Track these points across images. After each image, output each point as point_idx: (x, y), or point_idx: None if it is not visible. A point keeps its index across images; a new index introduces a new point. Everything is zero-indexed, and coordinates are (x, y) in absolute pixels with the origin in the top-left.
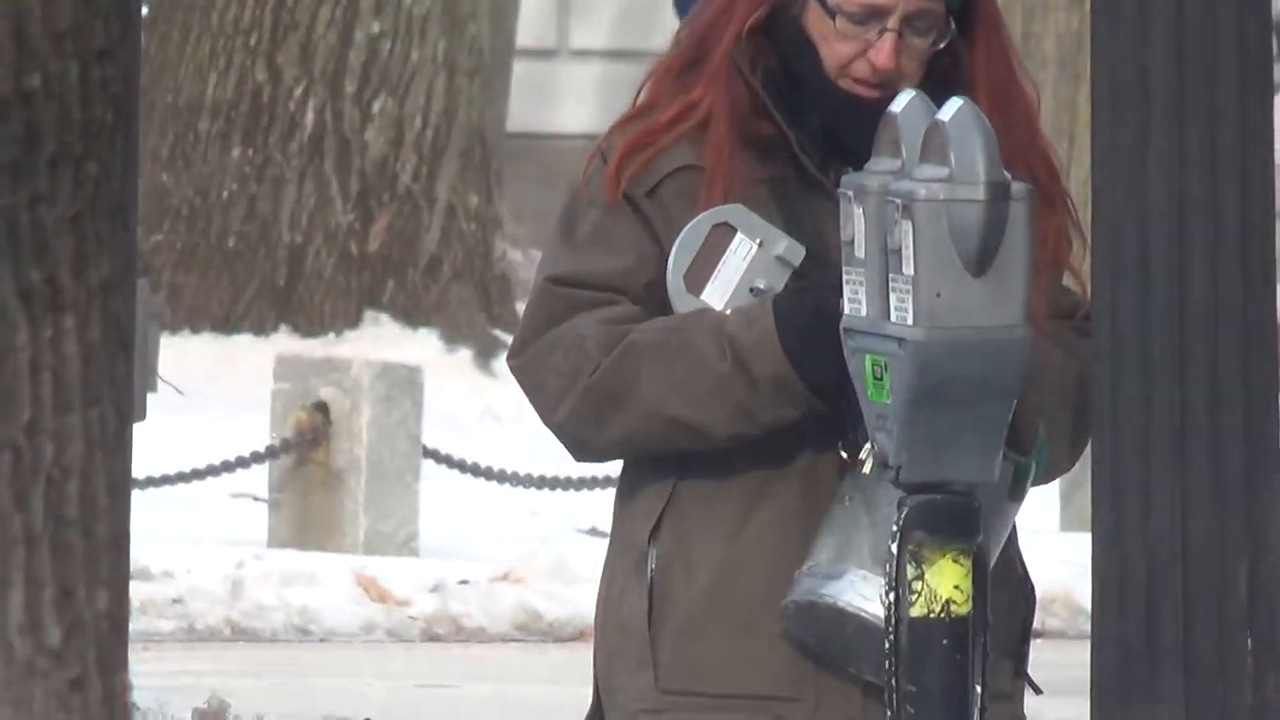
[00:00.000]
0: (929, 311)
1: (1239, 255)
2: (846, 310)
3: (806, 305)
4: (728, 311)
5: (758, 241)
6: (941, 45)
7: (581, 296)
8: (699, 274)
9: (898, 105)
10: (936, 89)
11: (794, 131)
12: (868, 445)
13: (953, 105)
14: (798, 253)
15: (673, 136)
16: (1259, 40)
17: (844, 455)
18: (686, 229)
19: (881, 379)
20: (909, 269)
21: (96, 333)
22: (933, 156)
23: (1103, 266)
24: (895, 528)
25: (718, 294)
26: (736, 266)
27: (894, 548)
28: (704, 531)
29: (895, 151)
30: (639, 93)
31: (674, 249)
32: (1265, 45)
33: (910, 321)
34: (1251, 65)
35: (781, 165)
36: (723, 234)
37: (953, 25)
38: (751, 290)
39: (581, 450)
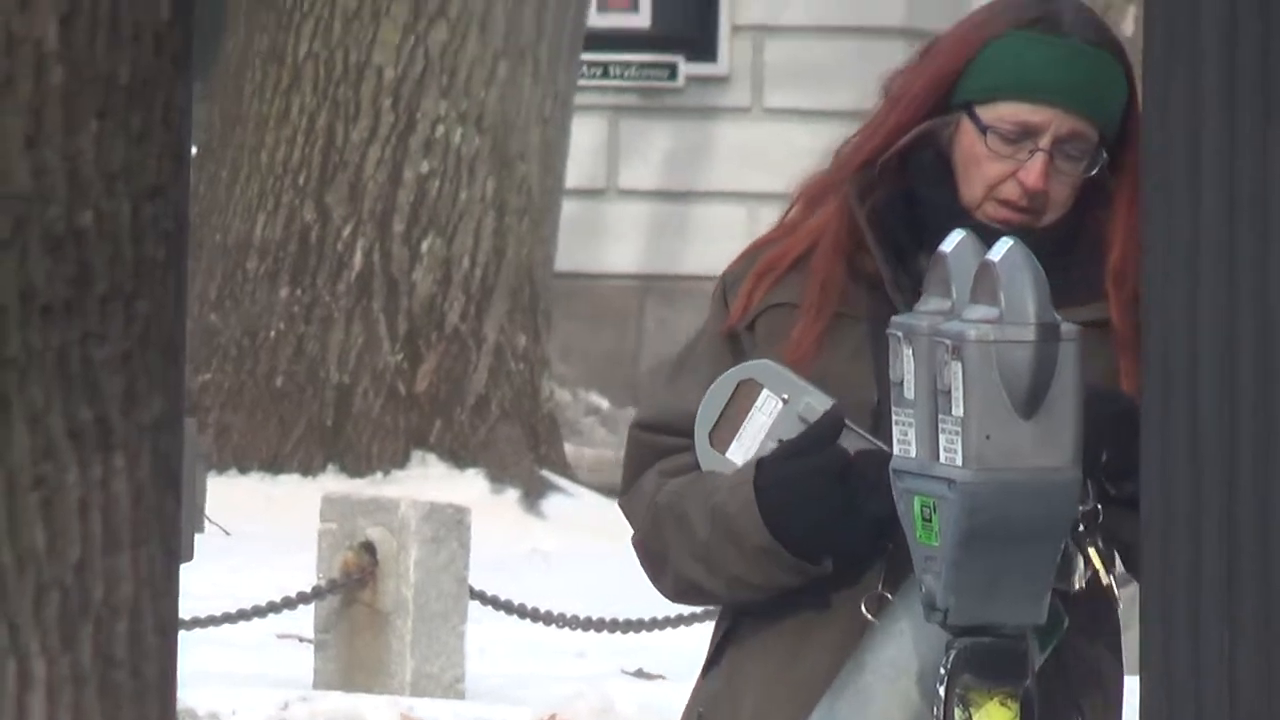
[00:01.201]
0: (978, 454)
1: None
2: (896, 450)
3: (789, 471)
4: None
5: (783, 398)
6: (1093, 172)
7: (661, 443)
8: (726, 431)
9: (948, 245)
10: (1079, 223)
11: (891, 269)
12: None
13: (1003, 245)
14: (816, 411)
15: (786, 266)
16: None
17: (866, 613)
18: (714, 384)
19: (930, 521)
20: (959, 410)
21: (146, 472)
22: (983, 297)
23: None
24: (943, 670)
25: (742, 452)
26: (761, 424)
27: (941, 690)
28: (751, 671)
29: (945, 291)
30: (785, 214)
31: (701, 405)
32: None
33: (960, 463)
34: None
35: (882, 304)
36: (750, 390)
37: (1104, 154)
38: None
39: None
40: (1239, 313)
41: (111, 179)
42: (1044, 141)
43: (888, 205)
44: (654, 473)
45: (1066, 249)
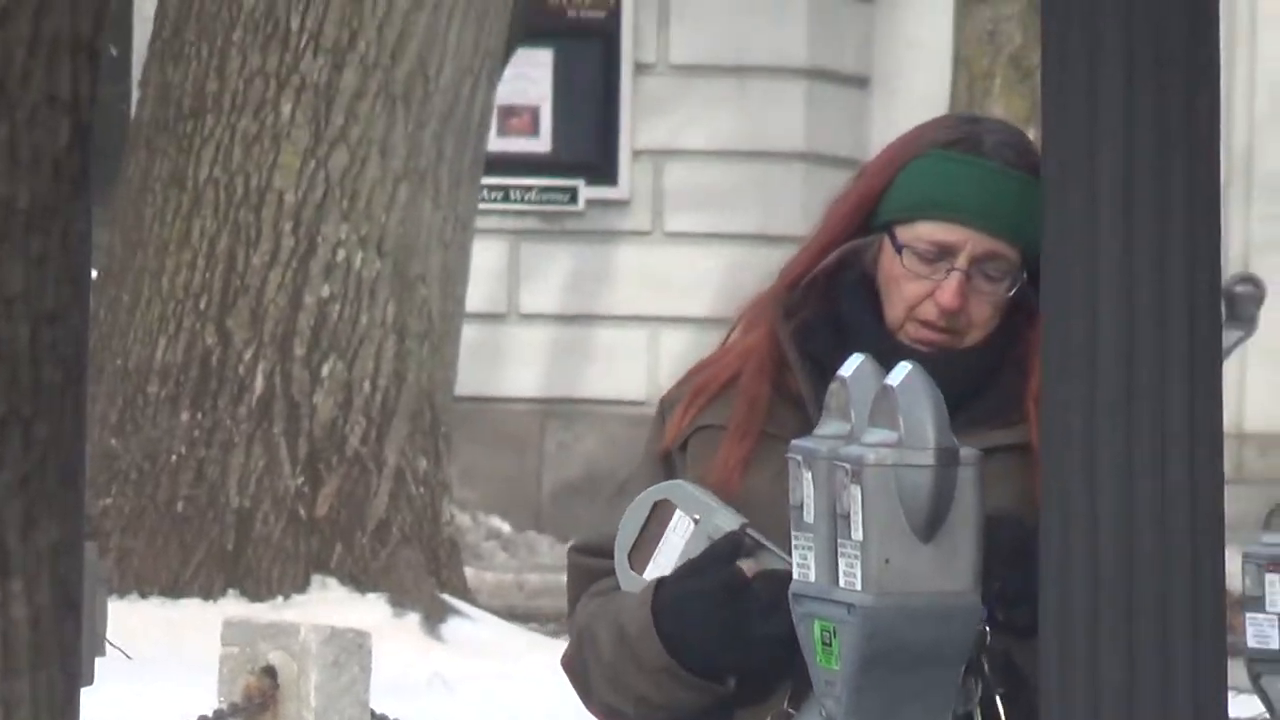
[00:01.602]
0: (878, 578)
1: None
2: (796, 574)
3: (683, 591)
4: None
5: (694, 518)
6: (1012, 293)
7: (594, 566)
8: (643, 552)
9: (847, 369)
10: (1003, 345)
11: (813, 388)
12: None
13: (901, 370)
14: (724, 531)
15: (717, 388)
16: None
17: None
18: (631, 506)
19: (830, 645)
20: (858, 534)
21: (45, 596)
22: (882, 421)
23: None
24: None
25: (658, 572)
26: (675, 545)
27: None
28: None
29: (845, 415)
30: (726, 337)
31: (620, 526)
32: (1215, 307)
33: (859, 587)
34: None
35: (807, 424)
36: (665, 510)
37: (1024, 275)
38: None
39: None
40: (1136, 428)
41: (9, 303)
42: (960, 261)
43: (812, 325)
44: (586, 595)
45: (993, 369)
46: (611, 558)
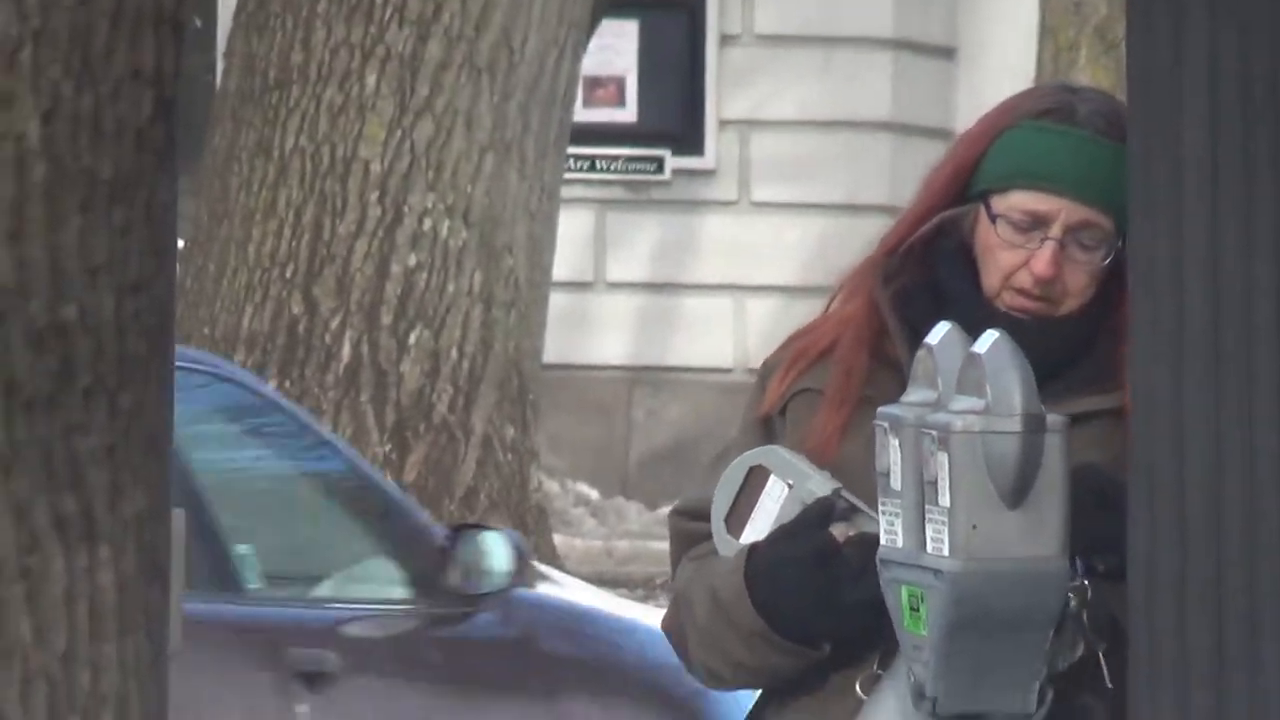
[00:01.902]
0: (965, 544)
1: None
2: (884, 540)
3: (775, 557)
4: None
5: (789, 483)
6: (1108, 261)
7: (694, 530)
8: (740, 516)
9: (934, 337)
10: (1099, 313)
11: (910, 354)
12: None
13: (988, 338)
14: (816, 496)
15: (815, 355)
16: None
17: (861, 693)
18: (727, 471)
19: (918, 610)
20: (945, 500)
21: (131, 563)
22: (969, 388)
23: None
24: None
25: (755, 536)
26: (770, 510)
27: None
28: None
29: (931, 383)
30: (828, 305)
31: (717, 491)
32: None
33: (946, 553)
34: None
35: (903, 388)
36: (760, 476)
37: (1120, 243)
38: None
39: None
40: (1224, 395)
41: (94, 273)
42: (1054, 230)
43: (910, 292)
44: (686, 559)
45: (1089, 337)
46: (709, 521)
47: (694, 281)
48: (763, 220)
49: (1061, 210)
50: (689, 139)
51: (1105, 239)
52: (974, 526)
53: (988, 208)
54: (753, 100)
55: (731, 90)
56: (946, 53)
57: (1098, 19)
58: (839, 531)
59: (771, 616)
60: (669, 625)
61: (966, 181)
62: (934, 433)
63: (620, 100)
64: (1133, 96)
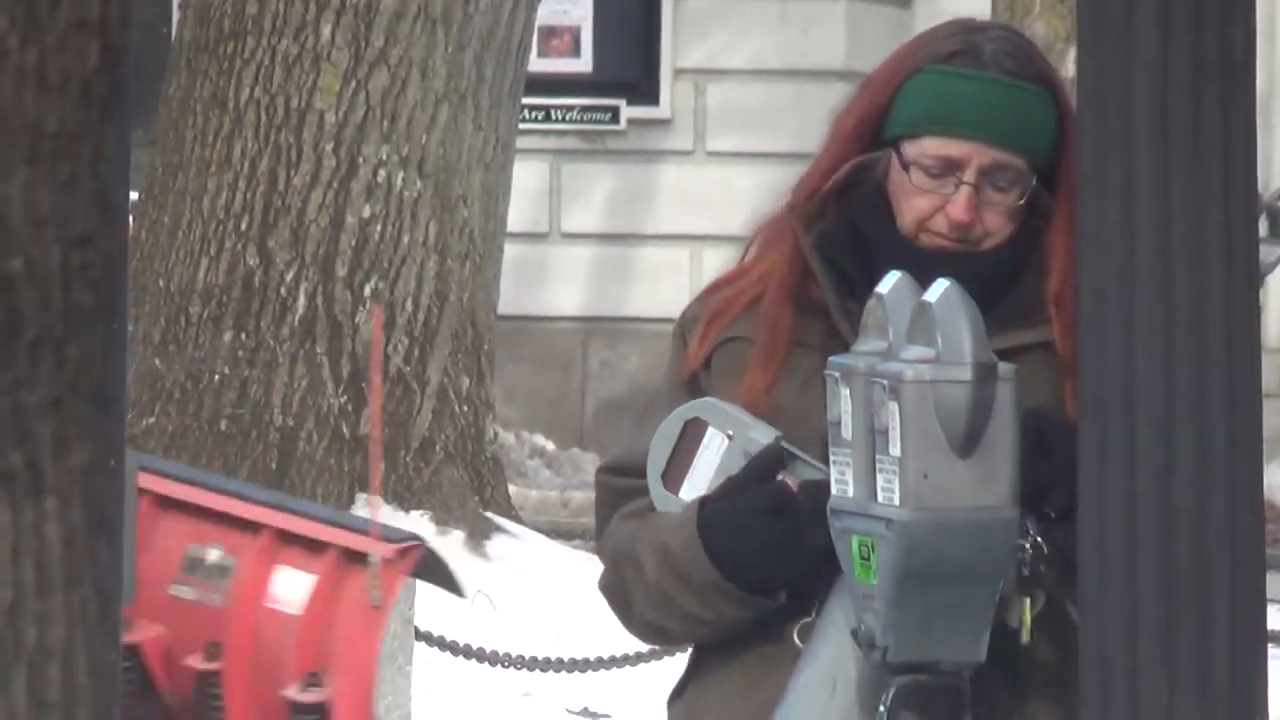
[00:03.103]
0: (916, 492)
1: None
2: (834, 490)
3: (729, 508)
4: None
5: (728, 434)
6: (1022, 201)
7: (624, 485)
8: (677, 471)
9: (884, 286)
10: (1023, 247)
11: (838, 298)
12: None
13: (939, 286)
14: (760, 445)
15: (739, 309)
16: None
17: (798, 641)
18: (662, 426)
19: (869, 559)
20: (896, 450)
21: (78, 516)
22: (919, 338)
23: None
24: (883, 708)
25: (693, 491)
26: (709, 462)
27: None
28: (715, 702)
29: (882, 332)
30: (742, 255)
31: (651, 447)
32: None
33: (897, 502)
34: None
35: (832, 333)
36: (697, 428)
37: (1034, 181)
38: None
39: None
40: (1176, 352)
41: (40, 226)
42: (968, 175)
43: (832, 236)
44: (617, 516)
45: (1015, 271)
46: (640, 477)
47: (649, 232)
48: (718, 170)
49: (974, 154)
50: (643, 89)
51: (1019, 179)
52: (925, 475)
53: (899, 154)
54: (708, 50)
55: (686, 40)
56: (901, 1)
57: None
58: (786, 480)
59: (727, 567)
60: (607, 584)
61: (877, 126)
62: (885, 382)
63: (575, 50)
64: (1083, 47)
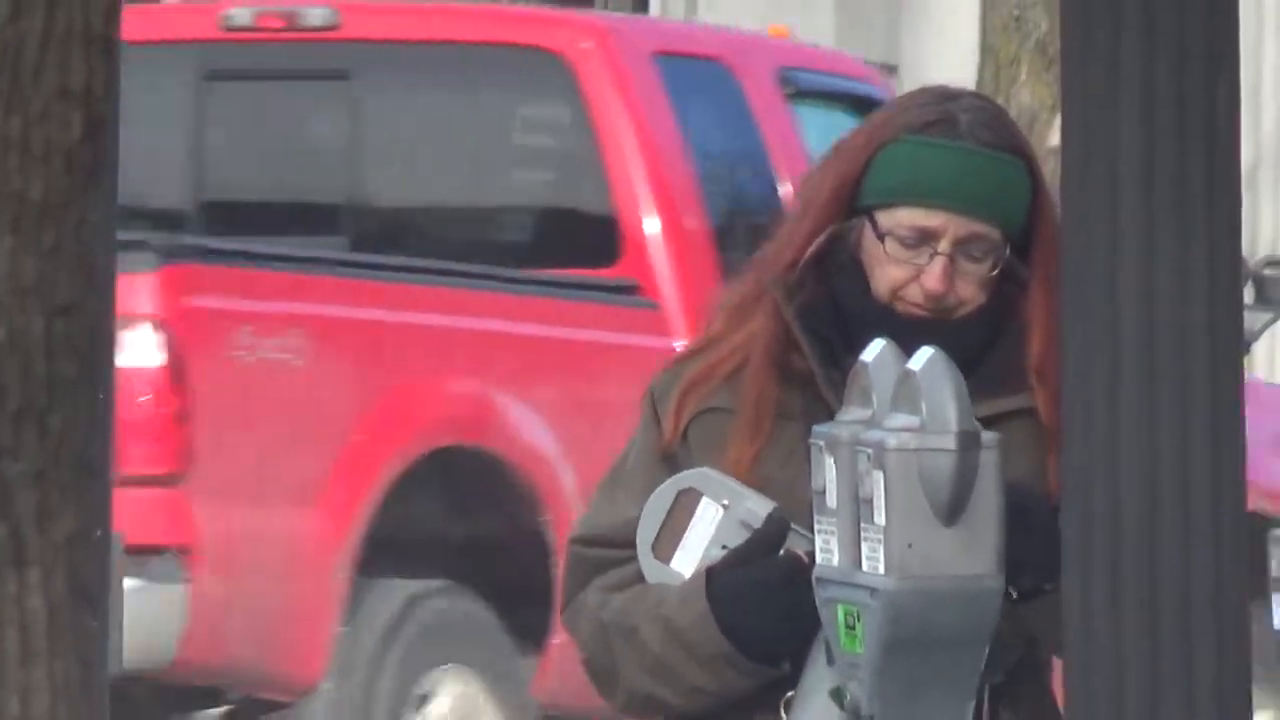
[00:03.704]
0: (900, 562)
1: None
2: (819, 559)
3: (741, 580)
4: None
5: (723, 504)
6: (996, 271)
7: (600, 557)
8: (668, 542)
9: (869, 354)
10: (1000, 314)
11: (823, 368)
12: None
13: (923, 354)
14: (758, 516)
15: (716, 382)
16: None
17: (784, 716)
18: (653, 496)
19: (854, 628)
20: (880, 519)
21: (61, 587)
22: (904, 406)
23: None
24: None
25: (686, 561)
26: (704, 532)
27: None
28: None
29: (866, 401)
30: (708, 325)
31: (641, 518)
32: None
33: (882, 571)
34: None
35: (815, 402)
36: (690, 499)
37: (1008, 251)
38: (723, 551)
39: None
40: (1157, 415)
41: (23, 295)
42: (943, 245)
43: (812, 306)
44: (595, 588)
45: (990, 338)
46: (614, 548)
47: None
48: None
49: (949, 226)
50: None
51: (993, 249)
52: (909, 545)
53: (874, 224)
54: None
55: None
56: (888, 70)
57: (1038, 35)
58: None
59: (740, 639)
60: (592, 659)
61: (850, 195)
62: (869, 450)
63: None
64: (1068, 113)
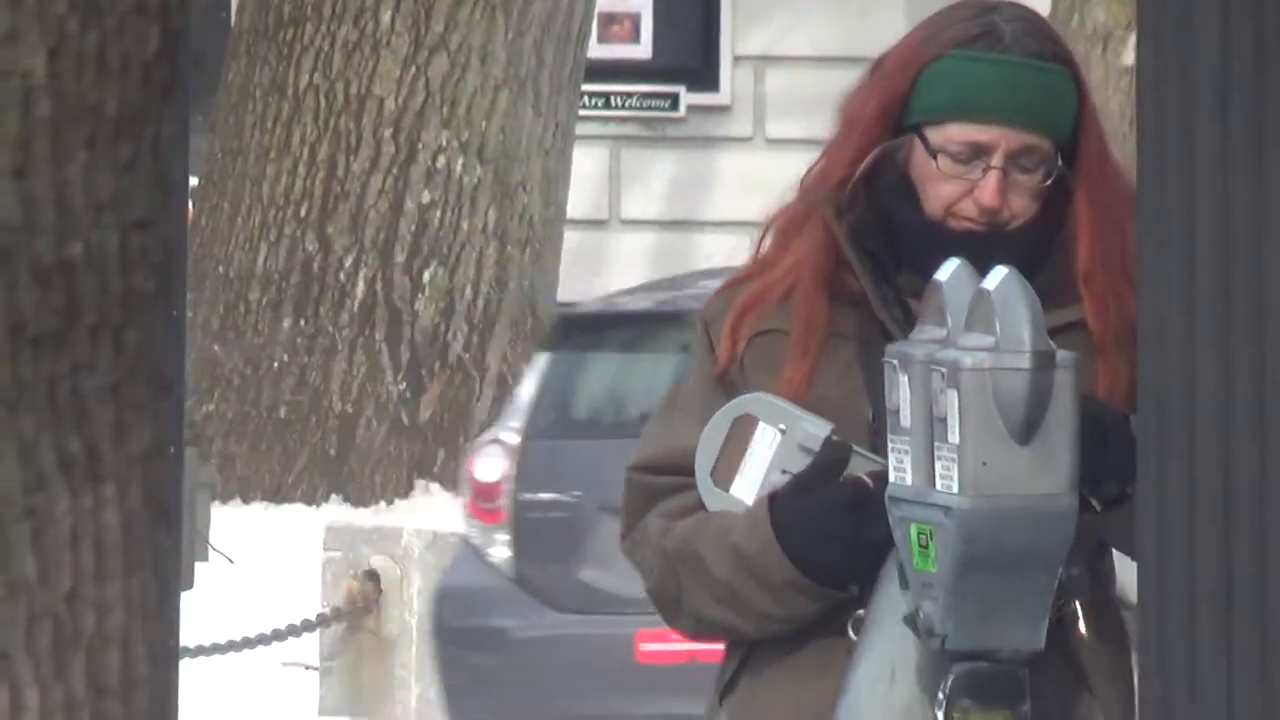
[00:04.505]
0: (975, 480)
1: None
2: (892, 478)
3: (805, 506)
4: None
5: (780, 428)
6: (1049, 181)
7: (659, 484)
8: (727, 468)
9: (943, 274)
10: (1051, 224)
11: (875, 286)
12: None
13: (998, 274)
14: (816, 439)
15: (770, 305)
16: None
17: (853, 636)
18: (709, 424)
19: (927, 547)
20: (954, 438)
21: (137, 502)
22: (978, 325)
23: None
24: (942, 695)
25: (746, 487)
26: (762, 457)
27: (940, 714)
28: (774, 696)
29: (940, 320)
30: (757, 247)
31: (699, 445)
32: None
33: (956, 490)
34: None
35: (868, 321)
36: (747, 424)
37: (1060, 161)
38: (783, 476)
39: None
40: (1234, 327)
41: (99, 210)
42: (995, 159)
43: (863, 225)
44: (655, 515)
45: (1045, 250)
46: (673, 474)
47: (708, 218)
48: (778, 156)
49: (1001, 139)
50: (703, 75)
51: (1045, 159)
52: (983, 463)
53: (924, 141)
54: (767, 36)
55: (746, 26)
56: None
57: None
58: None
59: (806, 565)
60: (658, 587)
61: (898, 113)
62: (943, 370)
63: (635, 36)
64: (1143, 33)
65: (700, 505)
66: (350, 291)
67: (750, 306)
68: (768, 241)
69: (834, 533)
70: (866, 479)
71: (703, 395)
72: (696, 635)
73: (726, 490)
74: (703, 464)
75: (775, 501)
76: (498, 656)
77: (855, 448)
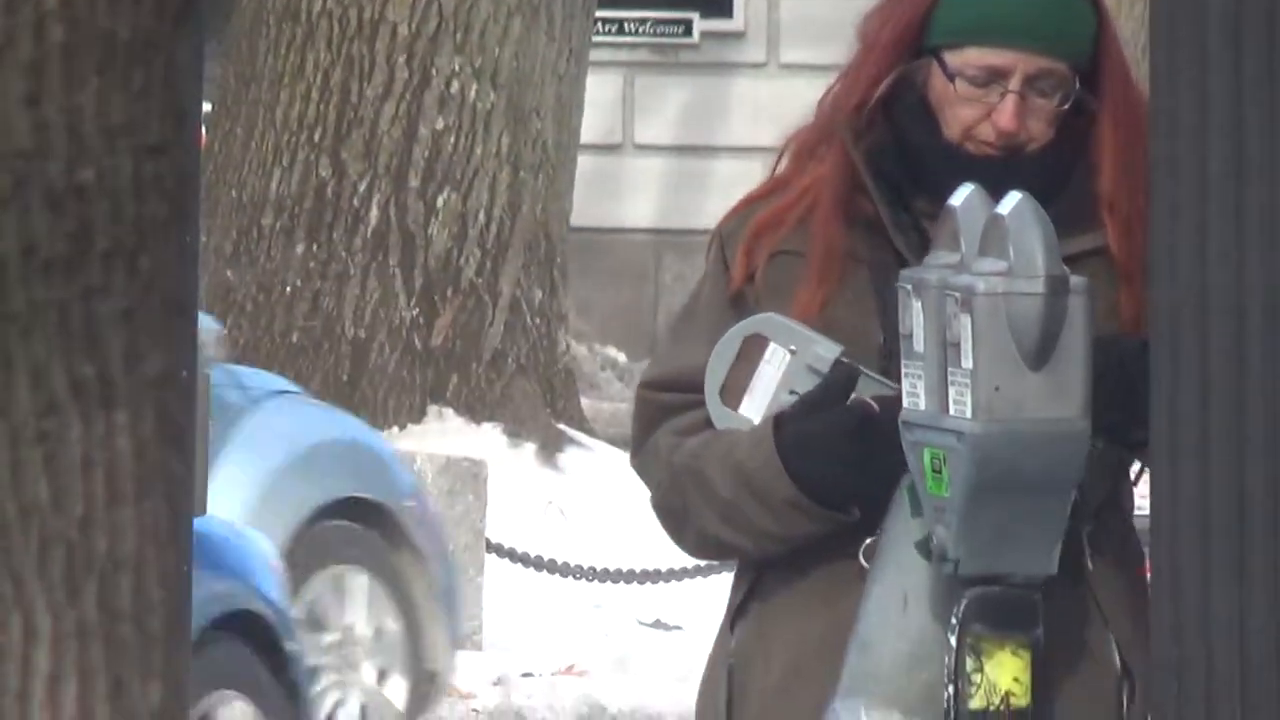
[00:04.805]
0: (988, 405)
1: None
2: (905, 403)
3: (809, 427)
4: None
5: (790, 349)
6: (1066, 106)
7: (670, 401)
8: (736, 387)
9: (957, 199)
10: (1071, 149)
11: (891, 210)
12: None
13: (1011, 199)
14: (825, 360)
15: (787, 227)
16: None
17: (864, 561)
18: (720, 342)
19: (940, 472)
20: (968, 363)
21: (149, 427)
22: (992, 250)
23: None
24: (954, 620)
25: (754, 407)
26: (771, 377)
27: (953, 640)
28: (783, 621)
29: (954, 245)
30: (774, 168)
31: (709, 363)
32: None
33: (969, 415)
34: None
35: (883, 245)
36: (757, 344)
37: (1078, 85)
38: (791, 396)
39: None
40: (1246, 247)
41: (112, 136)
42: (1013, 83)
43: (879, 149)
44: (665, 431)
45: (1065, 173)
46: (683, 391)
47: (722, 144)
48: (791, 82)
49: (1018, 63)
50: (717, 1)
51: (1063, 83)
52: (996, 388)
53: (942, 64)
54: None
55: None
56: None
57: None
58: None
59: (808, 485)
60: (664, 501)
61: (916, 37)
62: (957, 295)
63: None
64: None
65: (709, 423)
66: (363, 217)
67: (767, 226)
68: (784, 163)
69: (837, 455)
70: (873, 404)
71: (714, 315)
72: (700, 552)
73: (735, 409)
74: (712, 382)
75: (781, 421)
76: None
77: (864, 371)
